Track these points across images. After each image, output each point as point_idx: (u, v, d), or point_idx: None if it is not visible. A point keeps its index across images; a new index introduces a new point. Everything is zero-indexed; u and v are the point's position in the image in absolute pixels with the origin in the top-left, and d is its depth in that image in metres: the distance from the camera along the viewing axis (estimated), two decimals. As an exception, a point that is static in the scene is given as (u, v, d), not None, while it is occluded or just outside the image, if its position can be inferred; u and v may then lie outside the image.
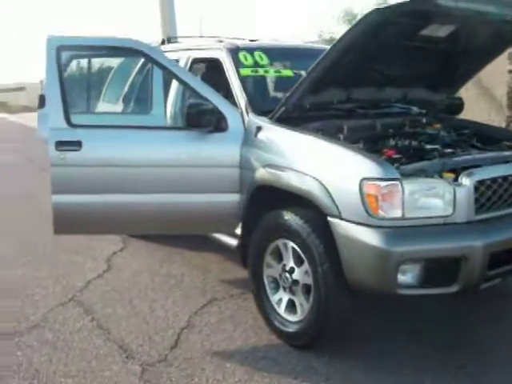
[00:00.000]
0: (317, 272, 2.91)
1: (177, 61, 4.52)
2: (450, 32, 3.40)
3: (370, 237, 2.66)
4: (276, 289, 3.30)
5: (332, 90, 3.49)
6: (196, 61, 4.29)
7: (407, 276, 2.68)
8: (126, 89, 4.60)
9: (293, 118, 3.43)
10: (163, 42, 4.89)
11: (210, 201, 3.49)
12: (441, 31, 3.39)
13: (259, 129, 3.40)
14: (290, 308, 3.21)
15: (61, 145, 3.35)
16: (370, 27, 2.93)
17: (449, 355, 3.06)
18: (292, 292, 3.17)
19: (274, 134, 3.32)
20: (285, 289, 3.22)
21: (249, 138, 3.43)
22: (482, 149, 3.45)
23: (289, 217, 3.06)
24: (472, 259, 2.69)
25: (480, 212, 2.82)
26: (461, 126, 3.96)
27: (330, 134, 3.33)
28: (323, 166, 2.93)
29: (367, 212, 2.69)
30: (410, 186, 2.68)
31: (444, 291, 2.75)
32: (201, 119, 3.32)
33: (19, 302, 3.85)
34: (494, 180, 2.88)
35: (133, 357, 3.13)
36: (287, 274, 3.16)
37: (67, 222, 3.48)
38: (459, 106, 4.49)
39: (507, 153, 3.23)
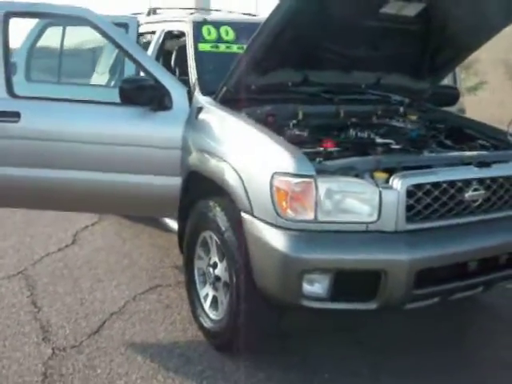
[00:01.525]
0: (231, 271, 2.68)
1: (153, 33, 4.33)
2: (420, 11, 3.00)
3: (274, 239, 2.38)
4: (204, 283, 3.08)
5: (283, 70, 3.17)
6: (168, 34, 4.07)
7: (315, 287, 2.37)
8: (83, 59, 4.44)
9: (241, 100, 3.15)
10: (149, 13, 4.68)
11: (149, 183, 3.28)
12: (408, 10, 3.00)
13: (200, 109, 3.15)
14: (214, 305, 2.99)
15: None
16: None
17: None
18: (215, 288, 2.95)
19: (209, 117, 3.06)
20: (210, 284, 3.00)
21: (190, 118, 3.18)
22: (448, 147, 3.05)
23: (212, 208, 2.82)
24: (393, 275, 2.34)
25: (414, 221, 2.46)
26: (440, 119, 3.54)
27: (280, 120, 3.05)
28: (243, 155, 2.66)
29: (276, 211, 2.40)
30: (326, 184, 2.36)
31: (361, 308, 2.43)
32: (137, 96, 3.10)
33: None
34: (436, 185, 2.50)
35: (49, 339, 3.03)
36: (211, 269, 2.94)
37: (8, 195, 3.39)
38: (453, 96, 4.05)
39: (470, 153, 2.82)
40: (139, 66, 3.28)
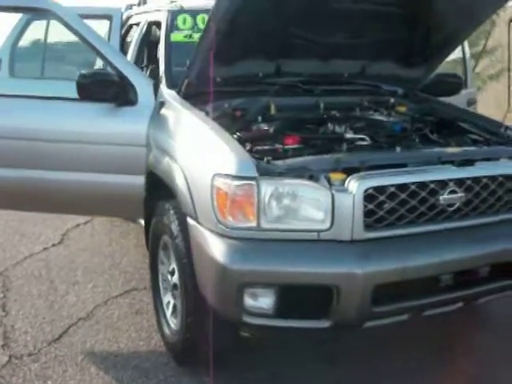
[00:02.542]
0: (181, 280, 2.47)
1: (137, 24, 4.16)
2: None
3: (213, 248, 2.14)
4: (167, 289, 2.88)
5: (251, 61, 2.92)
6: (150, 24, 3.88)
7: (259, 302, 2.11)
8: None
9: (207, 93, 2.92)
10: (139, 4, 4.51)
11: (115, 182, 3.11)
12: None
13: (162, 104, 2.94)
14: (174, 314, 2.78)
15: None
16: None
17: None
18: (174, 296, 2.74)
19: (168, 112, 2.86)
20: (169, 291, 2.80)
21: (154, 113, 2.98)
22: (432, 142, 2.73)
23: (166, 211, 2.61)
24: (347, 291, 2.07)
25: (375, 228, 2.17)
26: (433, 111, 3.20)
27: (249, 114, 2.82)
28: (190, 154, 2.44)
29: (216, 217, 2.16)
30: (270, 187, 2.10)
31: (312, 326, 2.17)
32: (96, 91, 2.92)
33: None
34: (402, 187, 2.20)
35: (9, 346, 2.91)
36: (169, 276, 2.74)
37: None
38: (456, 85, 3.69)
39: (452, 150, 2.48)
40: (103, 59, 3.11)
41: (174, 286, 2.69)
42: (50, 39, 4.19)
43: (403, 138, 2.73)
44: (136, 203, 3.10)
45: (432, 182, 2.24)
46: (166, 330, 2.79)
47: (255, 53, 2.89)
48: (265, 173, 2.12)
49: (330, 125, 2.80)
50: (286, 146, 2.45)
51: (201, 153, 2.37)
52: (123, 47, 4.24)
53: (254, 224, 2.10)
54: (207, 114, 2.77)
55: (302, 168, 2.18)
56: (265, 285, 2.09)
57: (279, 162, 2.19)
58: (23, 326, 3.10)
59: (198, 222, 2.28)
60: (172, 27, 3.36)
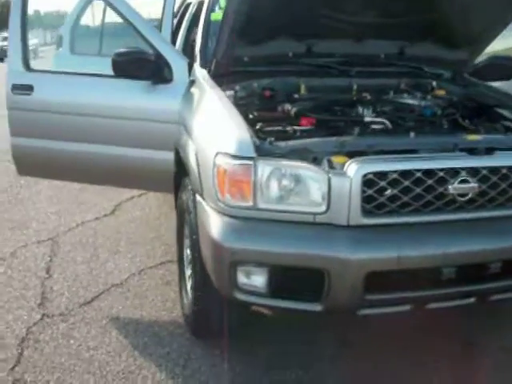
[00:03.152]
0: (191, 255, 2.54)
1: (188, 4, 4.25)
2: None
3: (212, 225, 2.19)
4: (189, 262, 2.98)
5: (280, 40, 2.90)
6: (200, 3, 3.94)
7: (252, 280, 2.14)
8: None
9: (237, 73, 2.95)
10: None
11: (151, 157, 3.24)
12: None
13: (192, 83, 3.01)
14: (193, 286, 2.88)
15: (15, 88, 3.38)
16: None
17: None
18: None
19: (196, 90, 2.91)
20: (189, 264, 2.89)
21: (185, 91, 3.05)
22: (461, 128, 2.59)
23: (185, 187, 2.69)
24: (338, 276, 2.04)
25: (375, 215, 2.12)
26: (476, 95, 3.02)
27: (278, 94, 2.84)
28: (202, 132, 2.48)
29: (216, 195, 2.20)
30: (267, 168, 2.10)
31: (304, 308, 2.16)
32: (130, 69, 3.03)
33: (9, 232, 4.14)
34: (405, 173, 2.12)
35: (44, 305, 3.13)
36: (188, 250, 2.82)
37: (26, 165, 3.55)
38: (509, 68, 3.44)
39: (472, 137, 2.34)
40: (141, 37, 3.20)
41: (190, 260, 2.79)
42: (108, 18, 4.37)
43: (428, 123, 2.63)
44: (170, 178, 3.23)
45: (441, 169, 2.13)
46: (185, 301, 2.90)
47: (283, 32, 2.87)
48: (264, 153, 2.13)
49: (354, 107, 2.74)
50: (298, 127, 2.43)
51: (210, 131, 2.41)
52: (179, 25, 4.36)
53: (250, 203, 2.12)
54: (236, 92, 2.82)
55: (303, 150, 2.16)
56: (257, 264, 2.11)
57: (282, 143, 2.18)
58: (61, 288, 3.33)
59: (204, 199, 2.33)
60: (214, 6, 3.40)
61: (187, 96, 2.97)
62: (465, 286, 2.20)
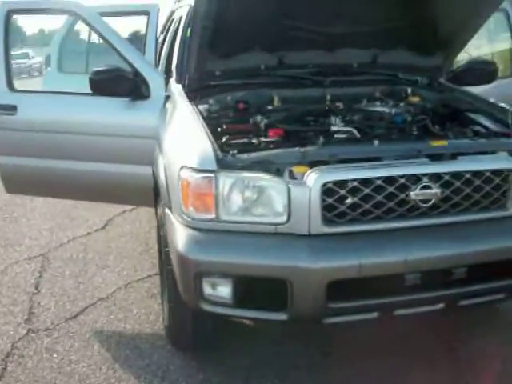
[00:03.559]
0: (166, 268, 2.58)
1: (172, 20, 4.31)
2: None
3: (178, 237, 2.23)
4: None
5: (249, 53, 2.95)
6: (180, 19, 4.01)
7: (218, 291, 2.16)
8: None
9: (211, 87, 3.00)
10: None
11: (132, 172, 3.30)
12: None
13: (167, 98, 3.06)
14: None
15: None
16: None
17: None
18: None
19: (170, 106, 2.97)
20: (168, 277, 2.93)
21: (161, 108, 3.11)
22: (430, 134, 2.61)
23: (160, 201, 2.73)
24: (300, 285, 2.06)
25: (336, 223, 2.14)
26: (450, 100, 3.04)
27: (252, 106, 2.88)
28: (171, 147, 2.52)
29: (181, 208, 2.24)
30: (229, 180, 2.13)
31: (270, 318, 2.19)
32: (107, 86, 3.10)
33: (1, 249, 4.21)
34: (366, 181, 2.14)
35: (30, 320, 3.18)
36: (165, 263, 2.86)
37: (13, 183, 3.62)
38: (488, 72, 3.45)
39: (437, 143, 2.35)
40: (119, 54, 3.28)
41: (168, 272, 2.82)
42: (94, 37, 4.47)
43: (397, 130, 2.65)
44: (150, 193, 3.28)
45: (401, 176, 2.16)
46: (165, 313, 2.93)
47: (254, 45, 2.92)
48: (226, 166, 2.16)
49: (325, 117, 2.78)
50: (265, 139, 2.47)
51: (177, 146, 2.46)
52: (164, 41, 4.43)
53: (213, 216, 2.16)
54: (210, 106, 2.87)
55: (265, 161, 2.19)
56: (221, 275, 2.15)
57: (244, 156, 2.22)
58: (48, 303, 3.39)
59: (172, 213, 2.37)
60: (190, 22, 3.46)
61: (162, 112, 3.03)
62: (431, 292, 2.21)
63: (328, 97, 3.04)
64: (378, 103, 2.99)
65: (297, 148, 2.26)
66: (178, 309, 2.52)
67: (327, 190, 2.10)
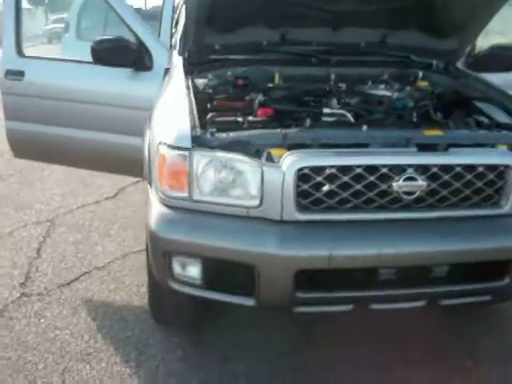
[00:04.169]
0: (146, 244, 2.55)
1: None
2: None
3: (151, 214, 2.19)
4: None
5: (252, 28, 2.83)
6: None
7: (188, 271, 2.13)
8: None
9: (212, 61, 2.92)
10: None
11: (135, 144, 3.26)
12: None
13: (167, 71, 3.00)
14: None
15: (8, 73, 3.49)
16: None
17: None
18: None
19: (166, 79, 2.90)
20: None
21: (162, 80, 3.05)
22: (429, 122, 2.47)
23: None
24: (266, 272, 2.00)
25: (312, 211, 2.05)
26: (463, 87, 2.86)
27: (252, 83, 2.80)
28: (156, 122, 2.46)
29: (157, 184, 2.20)
30: (203, 159, 2.06)
31: (239, 302, 2.14)
32: (109, 56, 3.06)
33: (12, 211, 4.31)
34: (344, 168, 2.04)
35: (25, 284, 3.24)
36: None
37: (20, 148, 3.67)
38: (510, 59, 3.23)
39: (430, 133, 2.21)
40: (124, 24, 3.23)
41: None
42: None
43: (395, 116, 2.52)
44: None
45: (384, 166, 2.04)
46: (149, 289, 2.93)
47: (254, 20, 2.80)
48: (202, 144, 2.10)
49: (322, 98, 2.66)
50: (252, 118, 2.39)
51: (161, 120, 2.40)
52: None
53: (185, 194, 2.10)
54: (209, 80, 2.81)
55: (243, 142, 2.11)
56: (190, 255, 2.11)
57: (223, 135, 2.14)
58: (46, 268, 3.44)
59: (151, 189, 2.34)
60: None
61: (162, 85, 2.97)
62: (408, 289, 2.11)
63: (332, 76, 2.92)
64: (382, 86, 2.84)
65: (278, 130, 2.18)
66: (154, 284, 2.51)
67: (303, 176, 2.01)
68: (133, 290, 3.20)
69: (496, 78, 3.15)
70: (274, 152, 2.08)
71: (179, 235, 2.09)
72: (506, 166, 2.14)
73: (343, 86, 2.84)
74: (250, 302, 2.10)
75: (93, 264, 3.49)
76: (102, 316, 2.96)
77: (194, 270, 2.13)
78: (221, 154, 2.08)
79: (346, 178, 2.04)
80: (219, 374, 2.51)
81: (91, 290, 3.20)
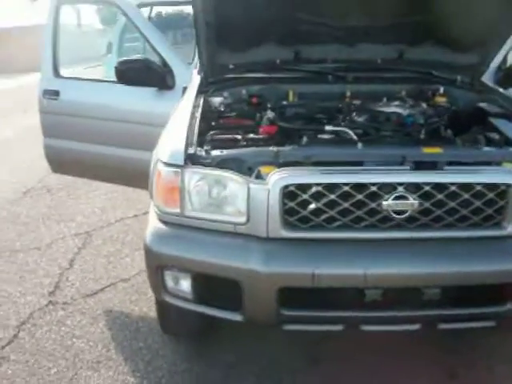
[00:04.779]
0: None
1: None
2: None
3: (148, 228, 2.27)
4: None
5: (266, 47, 2.88)
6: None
7: (180, 285, 2.18)
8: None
9: (231, 79, 2.98)
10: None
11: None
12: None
13: (184, 90, 3.09)
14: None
15: (45, 93, 3.71)
16: None
17: None
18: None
19: (183, 97, 2.97)
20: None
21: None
22: (439, 138, 2.41)
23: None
24: (251, 288, 2.01)
25: (298, 228, 2.05)
26: (480, 103, 2.75)
27: (267, 100, 2.85)
28: (161, 139, 2.53)
29: (155, 201, 2.27)
30: (194, 176, 2.12)
31: (228, 317, 2.16)
32: (132, 76, 3.20)
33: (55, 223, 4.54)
34: (331, 187, 2.01)
35: (54, 293, 3.40)
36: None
37: (57, 163, 3.89)
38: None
39: (429, 151, 2.14)
40: (149, 44, 3.38)
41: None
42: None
43: (402, 134, 2.46)
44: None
45: (373, 184, 2.00)
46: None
47: (266, 39, 2.85)
48: (195, 162, 2.16)
49: (331, 116, 2.65)
50: (252, 136, 2.42)
51: (163, 138, 2.48)
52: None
53: (178, 210, 2.16)
54: (224, 99, 2.87)
55: (235, 159, 2.15)
56: (181, 270, 2.15)
57: (216, 153, 2.19)
58: (75, 279, 3.60)
59: (152, 205, 2.41)
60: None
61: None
62: (398, 311, 2.05)
63: (348, 94, 2.91)
64: (396, 103, 2.79)
65: (271, 147, 2.19)
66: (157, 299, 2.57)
67: (289, 193, 2.02)
68: (152, 301, 3.24)
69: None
70: (264, 169, 2.10)
71: (171, 250, 2.16)
72: (509, 186, 2.04)
73: (357, 103, 2.81)
74: (237, 317, 2.11)
75: (119, 276, 3.61)
76: (119, 326, 3.06)
77: (185, 284, 2.18)
78: (211, 172, 2.12)
79: (332, 196, 2.02)
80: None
81: (113, 300, 3.32)
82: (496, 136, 2.40)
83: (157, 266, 2.19)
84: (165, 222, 2.21)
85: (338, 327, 2.11)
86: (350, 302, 2.03)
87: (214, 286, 2.12)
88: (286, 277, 1.99)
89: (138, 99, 3.41)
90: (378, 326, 2.10)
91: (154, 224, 2.24)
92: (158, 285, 2.22)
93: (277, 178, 2.01)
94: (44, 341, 2.94)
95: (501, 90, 3.00)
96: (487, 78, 3.22)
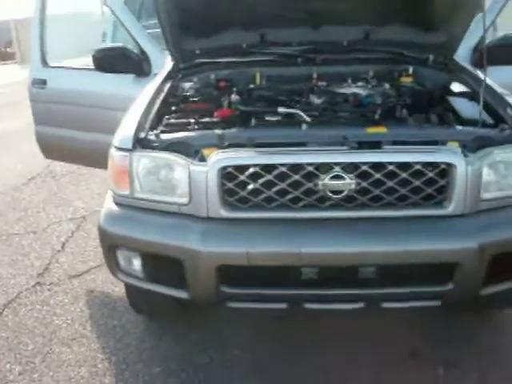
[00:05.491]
0: None
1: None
2: None
3: (102, 210, 2.36)
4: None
5: (231, 32, 2.91)
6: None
7: (132, 264, 2.28)
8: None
9: (203, 64, 3.03)
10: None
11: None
12: None
13: (155, 76, 3.14)
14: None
15: (34, 82, 3.84)
16: None
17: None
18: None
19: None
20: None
21: (153, 85, 3.21)
22: (394, 119, 2.41)
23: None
24: (191, 266, 2.09)
25: (237, 208, 2.11)
26: (452, 83, 2.72)
27: (235, 85, 2.90)
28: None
29: (110, 184, 2.35)
30: (142, 160, 2.21)
31: (175, 295, 2.25)
32: (109, 64, 3.28)
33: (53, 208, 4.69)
34: (268, 167, 2.05)
35: (43, 274, 3.55)
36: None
37: (48, 149, 4.02)
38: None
39: (375, 131, 2.16)
40: (127, 32, 3.44)
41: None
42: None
43: (356, 114, 2.46)
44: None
45: (309, 164, 2.03)
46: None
47: (230, 24, 2.88)
48: (143, 146, 2.23)
49: (290, 98, 2.67)
50: (207, 120, 2.47)
51: (120, 124, 2.56)
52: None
53: (127, 192, 2.25)
54: (193, 84, 2.93)
55: (182, 143, 2.22)
56: (130, 249, 2.24)
57: (163, 136, 2.26)
58: (65, 261, 3.74)
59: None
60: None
61: (150, 89, 3.14)
62: (337, 289, 2.08)
63: (315, 76, 2.92)
64: (359, 84, 2.79)
65: (216, 130, 2.24)
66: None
67: (228, 174, 2.07)
68: (133, 282, 3.41)
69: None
70: (206, 152, 2.16)
71: (120, 230, 2.25)
72: (449, 165, 2.04)
73: (322, 85, 2.83)
74: (183, 294, 2.20)
75: (106, 258, 3.75)
76: (97, 305, 3.18)
77: (136, 263, 2.27)
78: (157, 155, 2.20)
79: (270, 177, 2.06)
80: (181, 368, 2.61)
81: (96, 281, 3.44)
82: (449, 115, 2.39)
83: (109, 245, 2.29)
84: (118, 204, 2.30)
85: (282, 305, 2.17)
86: (289, 281, 2.08)
87: (161, 265, 2.21)
88: (222, 255, 2.05)
89: (118, 86, 3.49)
90: (321, 304, 2.14)
91: (108, 205, 2.34)
92: (111, 264, 2.32)
93: (215, 160, 2.07)
94: (26, 318, 3.09)
95: (478, 70, 2.96)
96: (464, 59, 3.19)
